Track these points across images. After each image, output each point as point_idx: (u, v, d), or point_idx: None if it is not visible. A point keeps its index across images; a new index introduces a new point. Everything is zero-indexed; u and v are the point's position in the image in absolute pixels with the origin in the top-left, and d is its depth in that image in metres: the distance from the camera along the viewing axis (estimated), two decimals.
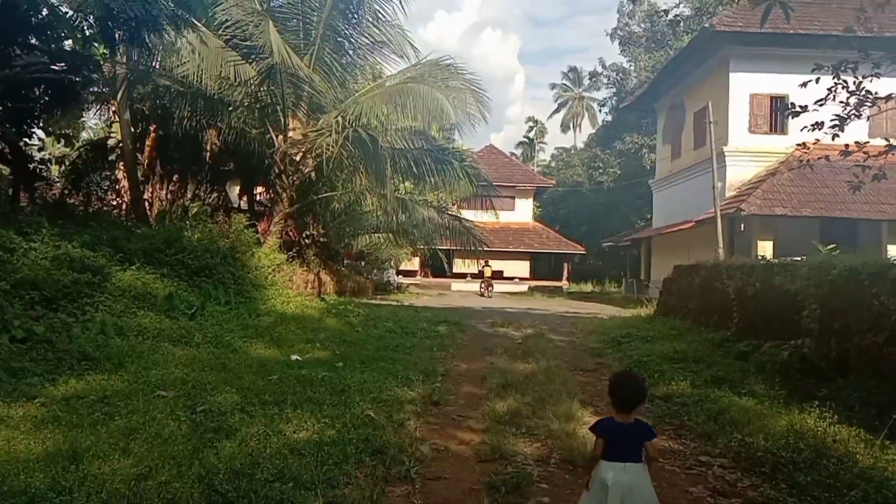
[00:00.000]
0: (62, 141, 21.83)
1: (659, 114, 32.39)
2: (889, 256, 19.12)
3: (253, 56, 15.48)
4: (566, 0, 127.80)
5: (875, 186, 20.70)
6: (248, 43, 15.13)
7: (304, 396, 7.13)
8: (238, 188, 24.24)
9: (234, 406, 6.55)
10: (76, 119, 20.07)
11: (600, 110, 57.00)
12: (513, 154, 63.01)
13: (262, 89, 15.78)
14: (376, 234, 24.71)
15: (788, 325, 9.35)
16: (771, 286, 9.95)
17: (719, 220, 18.68)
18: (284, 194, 17.06)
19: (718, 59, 23.94)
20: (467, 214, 23.61)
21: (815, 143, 9.92)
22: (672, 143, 29.69)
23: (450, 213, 21.80)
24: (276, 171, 17.08)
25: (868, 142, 8.95)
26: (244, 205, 23.51)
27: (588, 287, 46.53)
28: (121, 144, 19.48)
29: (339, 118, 14.55)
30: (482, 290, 34.60)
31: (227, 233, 15.02)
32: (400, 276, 39.30)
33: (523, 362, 10.25)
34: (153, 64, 16.26)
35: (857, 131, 21.72)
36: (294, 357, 9.86)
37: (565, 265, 43.36)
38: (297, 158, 16.63)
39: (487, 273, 35.40)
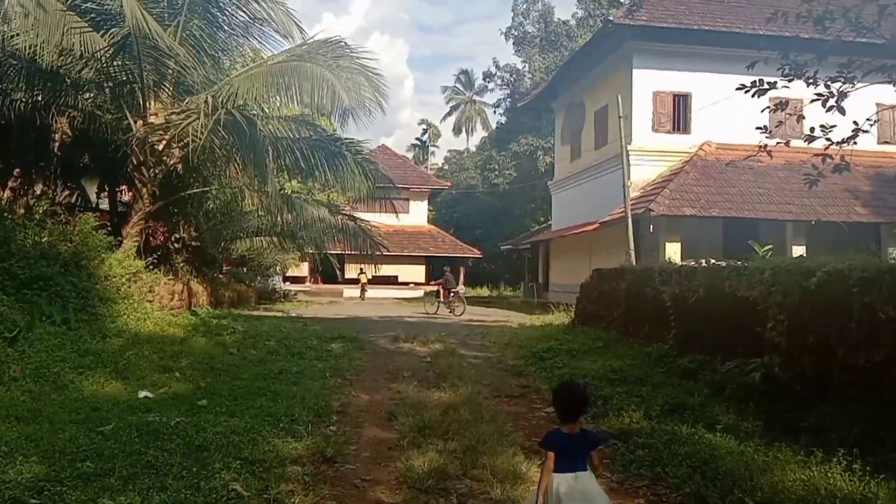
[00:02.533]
0: None
1: (557, 114, 31.59)
2: (796, 257, 18.78)
3: (104, 24, 12.83)
4: (452, 8, 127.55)
5: (778, 187, 20.53)
6: (96, 7, 12.50)
7: (143, 461, 4.99)
8: (97, 185, 21.08)
9: (29, 486, 4.35)
10: None
11: (494, 111, 56.41)
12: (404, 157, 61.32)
13: (115, 64, 13.13)
14: (259, 238, 22.17)
15: (744, 339, 8.05)
16: (719, 293, 8.64)
17: (630, 220, 17.72)
18: (145, 189, 14.43)
19: (620, 55, 23.18)
20: (361, 216, 21.55)
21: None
22: (571, 143, 28.88)
23: (343, 212, 19.67)
24: (134, 162, 14.42)
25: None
26: (105, 205, 20.38)
27: (485, 291, 45.50)
28: None
29: (209, 98, 12.20)
30: (360, 295, 35.89)
31: (69, 235, 12.29)
32: (287, 284, 36.70)
33: (437, 389, 8.43)
34: None
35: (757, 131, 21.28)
36: (142, 394, 7.59)
37: (461, 269, 42.04)
38: (160, 148, 14.07)
39: (363, 280, 36.60)
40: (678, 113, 22.79)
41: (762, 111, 8.08)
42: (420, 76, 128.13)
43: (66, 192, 19.38)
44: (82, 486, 4.44)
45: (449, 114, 71.76)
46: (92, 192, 20.93)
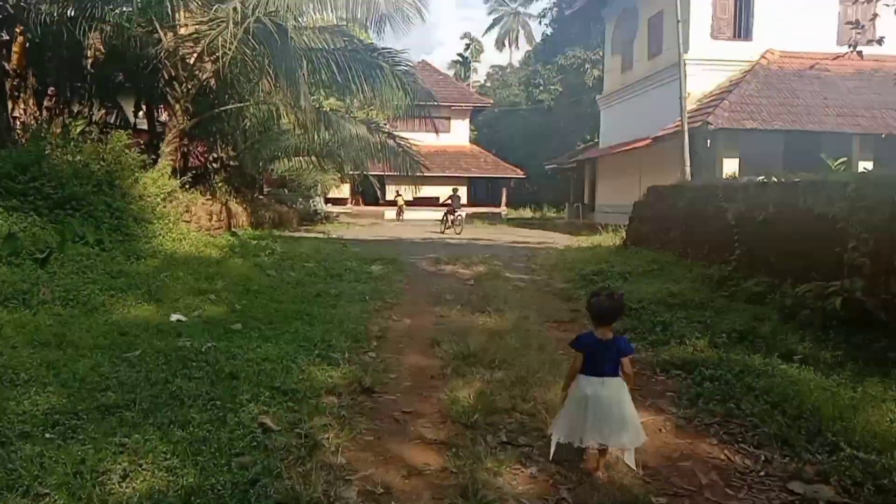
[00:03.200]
0: None
1: (608, 21, 29.78)
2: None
3: None
4: None
5: (846, 98, 19.03)
6: None
7: (168, 391, 4.65)
8: (133, 104, 20.70)
9: (42, 419, 4.04)
10: None
11: (540, 22, 53.74)
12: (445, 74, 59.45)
13: None
14: (297, 158, 21.65)
15: (820, 261, 7.30)
16: (792, 210, 7.83)
17: (687, 134, 16.61)
18: (178, 106, 13.93)
19: None
20: (401, 135, 20.76)
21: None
22: (623, 53, 27.27)
23: (383, 130, 18.93)
24: (166, 77, 13.87)
25: None
26: (143, 124, 20.01)
27: (527, 213, 44.64)
28: None
29: (238, 5, 11.44)
30: (397, 217, 34.70)
31: (102, 153, 11.92)
32: (329, 205, 36.42)
33: (482, 314, 7.94)
34: None
35: (824, 37, 19.65)
36: (175, 317, 7.28)
37: (503, 190, 41.17)
38: (191, 61, 13.44)
39: (400, 202, 35.57)
40: (739, 18, 21.11)
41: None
42: None
43: (103, 111, 19.03)
44: (99, 420, 4.11)
45: (491, 27, 69.10)
46: (129, 111, 20.59)
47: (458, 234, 23.70)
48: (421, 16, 14.12)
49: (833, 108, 18.77)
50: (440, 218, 26.22)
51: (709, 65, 20.34)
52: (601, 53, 39.56)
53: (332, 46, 14.26)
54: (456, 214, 25.07)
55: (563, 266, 11.79)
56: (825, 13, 20.68)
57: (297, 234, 20.63)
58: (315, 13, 14.89)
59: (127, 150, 12.36)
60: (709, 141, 18.34)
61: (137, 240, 10.73)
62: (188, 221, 13.36)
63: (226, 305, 7.98)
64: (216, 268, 10.03)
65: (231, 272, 9.97)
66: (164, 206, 12.31)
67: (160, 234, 11.27)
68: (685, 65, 18.58)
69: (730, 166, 18.67)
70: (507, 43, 69.30)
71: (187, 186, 14.37)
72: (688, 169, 16.55)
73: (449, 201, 26.05)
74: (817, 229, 7.34)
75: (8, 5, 16.29)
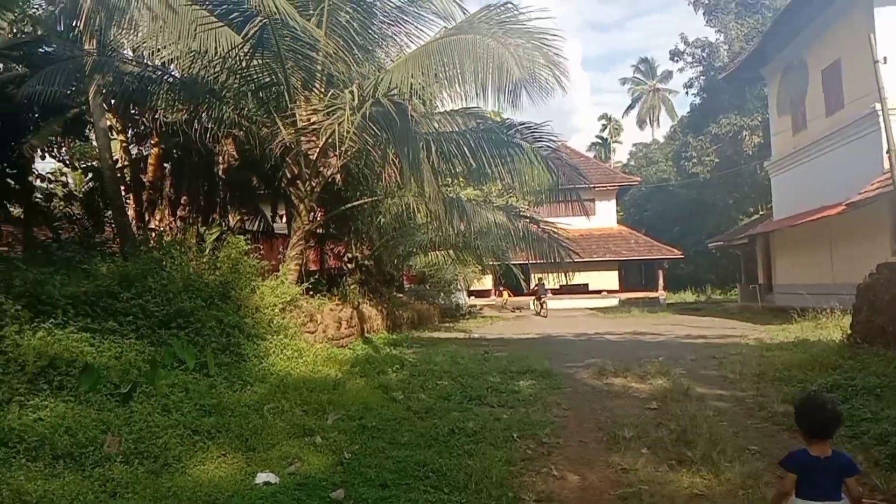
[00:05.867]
0: (68, 166, 18.67)
1: (770, 81, 26.67)
2: None
3: (236, 15, 11.32)
4: (625, 2, 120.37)
5: None
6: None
7: None
8: (269, 208, 20.36)
9: None
10: (58, 134, 16.37)
11: (687, 92, 50.65)
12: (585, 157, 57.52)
13: (254, 64, 11.56)
14: (434, 252, 20.19)
15: None
16: None
17: None
18: (302, 206, 12.76)
19: None
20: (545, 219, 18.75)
21: None
22: (792, 112, 23.99)
23: (524, 216, 17.04)
24: (288, 175, 12.83)
25: None
26: (283, 229, 19.48)
27: (689, 296, 40.70)
28: (119, 162, 15.90)
29: (355, 89, 10.14)
30: (538, 308, 30.33)
31: (216, 262, 10.80)
32: (472, 298, 34.83)
33: (681, 465, 5.46)
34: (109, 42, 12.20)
35: None
36: (262, 478, 5.48)
37: (659, 272, 37.72)
38: (314, 157, 12.31)
39: (505, 296, 34.89)
40: None
41: None
42: (594, 77, 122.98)
43: (239, 217, 18.59)
44: None
45: (631, 107, 67.20)
46: (269, 215, 20.23)
47: (545, 316, 28.26)
48: (560, 84, 12.23)
49: None
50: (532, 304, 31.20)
51: None
52: (760, 118, 36.18)
53: (463, 128, 12.72)
54: (542, 300, 29.51)
55: (773, 375, 8.94)
56: None
57: (436, 335, 18.88)
58: (442, 92, 13.47)
59: (245, 257, 11.19)
60: None
61: (248, 361, 9.22)
62: (312, 332, 11.86)
63: (332, 454, 6.08)
64: (331, 393, 8.22)
65: (348, 398, 8.13)
66: (283, 317, 10.88)
67: (274, 352, 9.73)
68: (885, 114, 15.43)
69: None
70: (648, 120, 66.81)
71: (315, 291, 13.05)
72: None
73: (536, 289, 30.39)
74: None
75: (144, 120, 16.45)
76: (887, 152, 13.68)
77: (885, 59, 15.54)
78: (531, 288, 31.80)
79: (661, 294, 36.62)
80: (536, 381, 9.40)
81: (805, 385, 7.86)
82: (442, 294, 27.92)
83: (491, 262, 22.55)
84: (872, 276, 9.88)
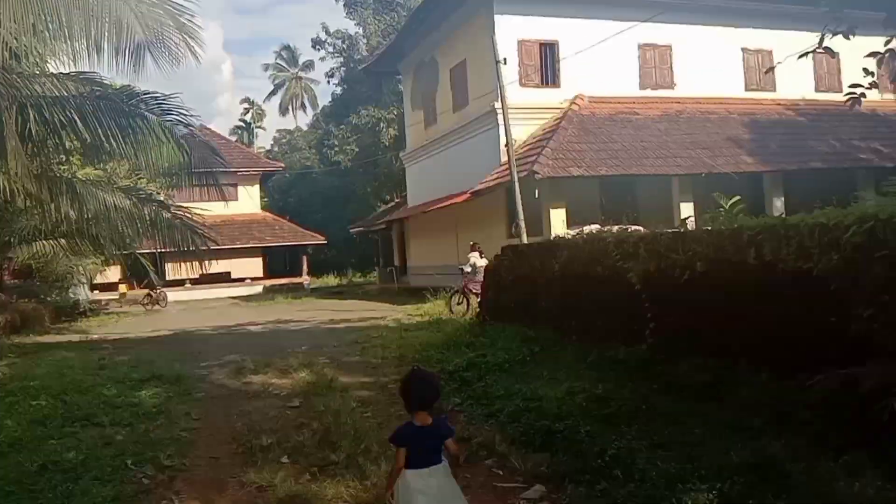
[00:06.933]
0: None
1: (405, 76, 28.19)
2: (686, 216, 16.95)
3: None
4: None
5: (661, 140, 18.66)
6: None
7: None
8: None
9: None
10: None
11: (329, 81, 51.29)
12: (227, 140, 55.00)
13: None
14: (42, 241, 16.86)
15: (790, 333, 5.32)
16: (738, 266, 5.80)
17: (517, 185, 14.88)
18: None
19: (478, 1, 20.22)
20: (180, 206, 16.90)
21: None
22: (424, 107, 25.65)
23: (154, 199, 15.09)
24: None
25: None
26: None
27: (332, 280, 41.59)
28: None
29: None
30: (146, 302, 27.57)
31: None
32: (96, 293, 30.64)
33: (328, 476, 4.88)
34: None
35: (627, 82, 19.35)
36: None
37: (304, 258, 37.76)
38: None
39: (123, 289, 30.32)
40: (545, 64, 20.26)
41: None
42: (238, 60, 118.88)
43: None
44: None
45: (273, 93, 66.08)
46: None
47: (164, 307, 27.00)
48: (193, 52, 10.86)
49: (650, 150, 18.25)
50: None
51: (520, 113, 19.01)
52: (396, 111, 38.29)
53: (75, 94, 10.57)
54: (155, 291, 26.97)
55: (413, 357, 8.98)
56: (627, 57, 20.55)
57: (45, 339, 15.89)
58: (45, 48, 11.05)
59: None
60: (537, 191, 16.81)
61: None
62: None
63: None
64: None
65: None
66: None
67: None
68: (505, 111, 17.12)
69: (557, 217, 17.29)
70: (290, 108, 66.61)
71: None
72: (522, 223, 14.75)
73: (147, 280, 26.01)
74: (785, 290, 5.35)
75: None
76: (505, 145, 15.12)
77: (505, 60, 17.20)
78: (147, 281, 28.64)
79: (305, 280, 36.67)
80: (163, 389, 8.07)
81: (444, 365, 7.97)
82: (56, 290, 23.84)
83: (116, 252, 19.76)
84: (498, 257, 10.67)
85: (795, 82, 21.19)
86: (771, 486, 3.91)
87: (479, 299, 14.52)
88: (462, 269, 16.36)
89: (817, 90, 22.34)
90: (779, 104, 21.61)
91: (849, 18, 5.21)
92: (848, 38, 4.89)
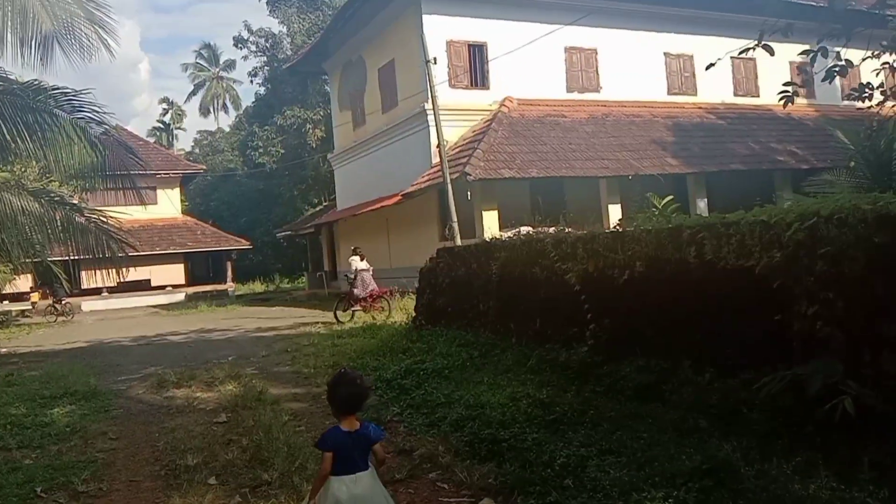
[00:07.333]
0: None
1: (331, 76, 27.68)
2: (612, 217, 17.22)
3: None
4: None
5: (588, 142, 18.89)
6: None
7: None
8: None
9: None
10: None
11: (252, 81, 49.94)
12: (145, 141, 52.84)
13: None
14: None
15: (732, 332, 5.32)
16: (678, 265, 5.78)
17: (450, 186, 14.71)
18: None
19: (406, 0, 19.99)
20: (95, 209, 15.95)
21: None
22: (353, 108, 25.21)
23: (66, 202, 14.19)
24: None
25: None
26: None
27: (258, 286, 40.51)
28: None
29: None
30: (52, 312, 25.43)
31: None
32: (6, 303, 28.91)
33: (260, 498, 4.55)
34: None
35: (554, 85, 19.54)
36: None
37: (228, 264, 36.61)
38: None
39: (35, 298, 27.89)
40: (475, 66, 20.24)
41: None
42: (156, 60, 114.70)
43: None
44: None
45: (193, 93, 64.06)
46: None
47: (70, 318, 24.69)
48: (106, 45, 10.26)
49: (578, 152, 18.46)
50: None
51: (451, 114, 18.90)
52: (322, 112, 37.59)
53: None
54: (58, 301, 25.32)
55: (347, 365, 8.63)
56: (554, 60, 20.73)
57: None
58: None
59: None
60: (469, 193, 16.71)
61: None
62: None
63: None
64: None
65: None
66: None
67: None
68: (436, 112, 16.94)
69: (490, 218, 17.25)
70: (212, 109, 64.68)
71: None
72: (455, 225, 14.60)
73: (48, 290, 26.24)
74: (727, 289, 5.34)
75: None
76: (437, 147, 14.94)
77: (435, 59, 17.02)
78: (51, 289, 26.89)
79: (230, 286, 35.59)
80: (77, 406, 7.50)
81: (381, 373, 7.72)
82: None
83: (25, 260, 18.53)
84: (433, 259, 10.46)
85: (715, 86, 21.91)
86: (725, 491, 3.83)
87: (361, 305, 14.49)
88: (346, 277, 16.19)
89: (736, 94, 23.15)
90: (700, 108, 22.28)
91: (766, 26, 5.30)
92: (787, 35, 4.92)
